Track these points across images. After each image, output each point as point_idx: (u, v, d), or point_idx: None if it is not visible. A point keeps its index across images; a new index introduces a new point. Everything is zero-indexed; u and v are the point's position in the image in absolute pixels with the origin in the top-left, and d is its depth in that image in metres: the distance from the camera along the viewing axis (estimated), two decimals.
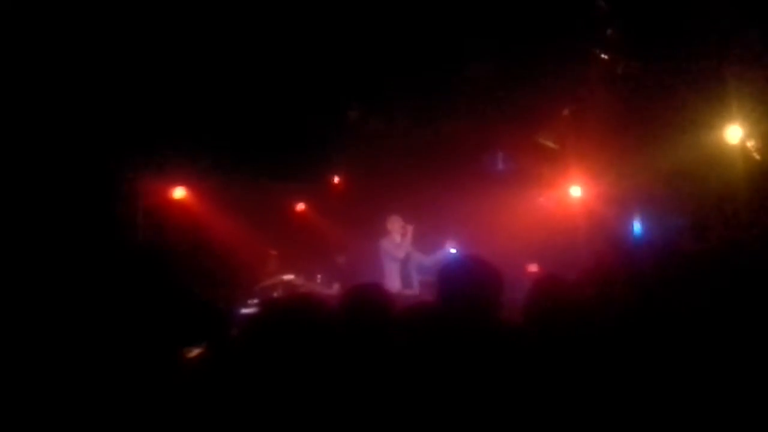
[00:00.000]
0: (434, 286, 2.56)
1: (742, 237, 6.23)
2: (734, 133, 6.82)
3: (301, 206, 10.37)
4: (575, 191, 8.65)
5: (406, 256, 7.54)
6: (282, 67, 7.05)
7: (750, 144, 6.80)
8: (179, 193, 8.48)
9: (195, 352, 3.07)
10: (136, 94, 6.58)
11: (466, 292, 2.37)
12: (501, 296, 2.40)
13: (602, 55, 6.77)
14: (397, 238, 7.58)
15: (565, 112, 8.03)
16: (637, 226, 8.23)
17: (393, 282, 7.26)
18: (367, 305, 2.64)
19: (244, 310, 7.09)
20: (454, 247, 9.10)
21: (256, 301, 7.58)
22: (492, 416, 2.03)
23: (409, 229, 7.57)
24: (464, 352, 2.17)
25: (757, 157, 6.78)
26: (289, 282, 8.09)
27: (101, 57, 6.01)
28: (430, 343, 2.27)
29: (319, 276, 8.51)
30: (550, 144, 8.50)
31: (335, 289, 7.95)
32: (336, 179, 10.28)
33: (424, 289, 7.30)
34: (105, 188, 6.84)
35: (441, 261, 7.06)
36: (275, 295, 7.57)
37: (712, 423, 2.15)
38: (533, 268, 7.96)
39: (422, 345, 2.29)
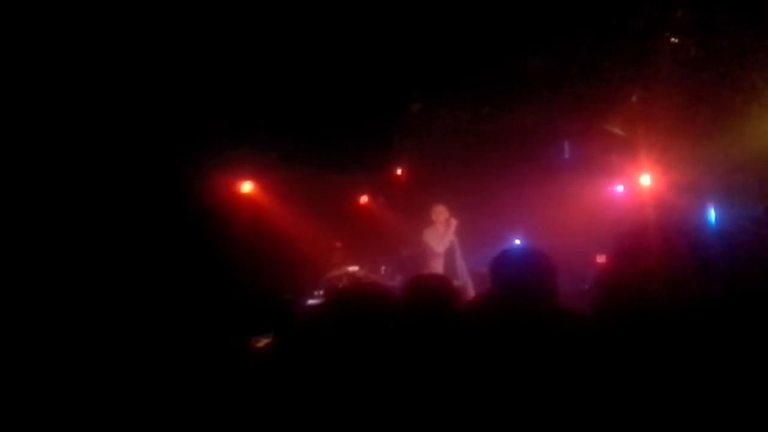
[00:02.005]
0: (487, 277, 2.56)
1: None
2: None
3: (365, 199, 10.44)
4: (645, 180, 8.42)
5: (450, 247, 7.39)
6: (346, 60, 7.08)
7: None
8: (247, 187, 8.66)
9: (263, 341, 3.14)
10: (203, 91, 6.72)
11: (518, 281, 2.37)
12: (555, 284, 2.38)
13: (672, 39, 6.54)
14: (441, 229, 7.42)
15: (634, 98, 7.80)
16: (711, 215, 7.96)
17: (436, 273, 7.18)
18: (430, 296, 2.64)
19: (311, 301, 7.20)
20: (519, 239, 9.03)
21: (321, 292, 7.68)
22: (548, 403, 2.01)
23: (453, 222, 7.40)
24: (519, 340, 2.16)
25: None
26: (353, 273, 8.16)
27: (169, 55, 6.14)
28: (486, 331, 2.27)
29: (383, 268, 8.56)
30: (618, 131, 8.29)
31: (398, 280, 7.96)
32: (399, 171, 10.28)
33: (477, 279, 7.13)
34: (174, 184, 7.01)
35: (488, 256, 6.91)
36: (340, 286, 7.65)
37: None
38: (602, 258, 7.80)
39: (478, 333, 2.29)
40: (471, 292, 6.90)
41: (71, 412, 2.84)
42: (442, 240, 7.30)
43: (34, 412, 2.97)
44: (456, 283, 7.06)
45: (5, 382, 3.33)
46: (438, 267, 7.29)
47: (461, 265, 7.35)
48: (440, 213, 7.41)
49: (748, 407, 2.08)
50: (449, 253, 7.33)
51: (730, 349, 2.28)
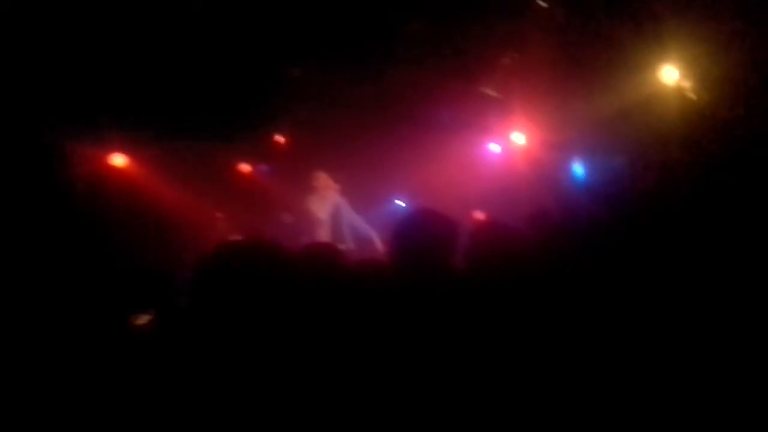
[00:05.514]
0: (387, 242, 2.51)
1: (678, 176, 6.39)
2: (670, 74, 6.95)
3: (245, 167, 10.25)
4: (518, 138, 8.73)
5: (334, 212, 7.47)
6: (218, 28, 6.89)
7: (685, 84, 6.93)
8: (119, 160, 8.28)
9: (144, 318, 3.05)
10: (72, 64, 6.42)
11: (422, 246, 2.33)
12: (455, 247, 2.37)
13: (540, 2, 6.78)
14: (322, 193, 7.50)
15: (506, 60, 8.05)
16: (579, 170, 8.38)
17: (322, 238, 7.26)
18: (322, 262, 2.62)
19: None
20: (400, 200, 9.19)
21: None
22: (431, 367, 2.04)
23: (332, 185, 7.48)
24: (421, 305, 2.15)
25: (693, 97, 6.92)
26: None
27: (38, 25, 5.79)
28: (387, 299, 2.23)
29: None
30: (492, 93, 8.53)
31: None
32: (279, 138, 10.17)
33: (360, 245, 7.28)
34: (42, 158, 6.64)
35: (376, 218, 7.06)
36: None
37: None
38: (479, 215, 8.07)
39: (378, 301, 2.25)
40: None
41: None
42: (323, 205, 7.33)
43: None
44: (342, 246, 7.17)
45: None
46: (321, 232, 7.34)
47: (347, 230, 7.45)
48: (320, 178, 7.47)
49: (618, 369, 2.13)
50: (335, 218, 7.41)
51: (597, 302, 2.37)
